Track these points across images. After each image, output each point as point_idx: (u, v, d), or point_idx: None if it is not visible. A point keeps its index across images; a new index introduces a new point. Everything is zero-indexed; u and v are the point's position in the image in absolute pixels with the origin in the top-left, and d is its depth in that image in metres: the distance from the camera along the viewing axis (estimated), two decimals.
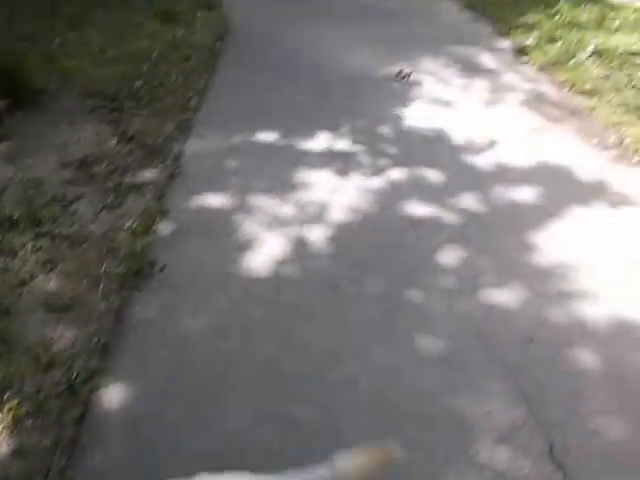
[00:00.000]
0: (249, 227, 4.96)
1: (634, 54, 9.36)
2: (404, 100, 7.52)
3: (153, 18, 9.95)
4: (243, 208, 5.19)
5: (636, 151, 6.52)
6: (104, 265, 4.40)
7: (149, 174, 5.58)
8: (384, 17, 11.07)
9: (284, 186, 5.52)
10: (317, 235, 4.90)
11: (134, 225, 4.84)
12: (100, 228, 4.83)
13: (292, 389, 3.61)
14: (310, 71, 8.27)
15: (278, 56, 8.79)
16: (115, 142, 6.05)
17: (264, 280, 4.43)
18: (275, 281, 4.42)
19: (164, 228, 4.92)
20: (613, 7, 12.06)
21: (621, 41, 9.92)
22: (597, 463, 3.27)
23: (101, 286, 4.21)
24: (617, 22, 10.98)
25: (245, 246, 4.75)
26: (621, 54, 9.28)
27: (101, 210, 5.04)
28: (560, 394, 3.67)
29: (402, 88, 7.90)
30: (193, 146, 6.11)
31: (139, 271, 4.40)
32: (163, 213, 5.07)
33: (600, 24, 10.90)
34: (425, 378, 3.72)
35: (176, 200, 5.28)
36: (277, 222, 5.03)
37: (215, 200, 5.31)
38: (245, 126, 6.52)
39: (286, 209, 5.20)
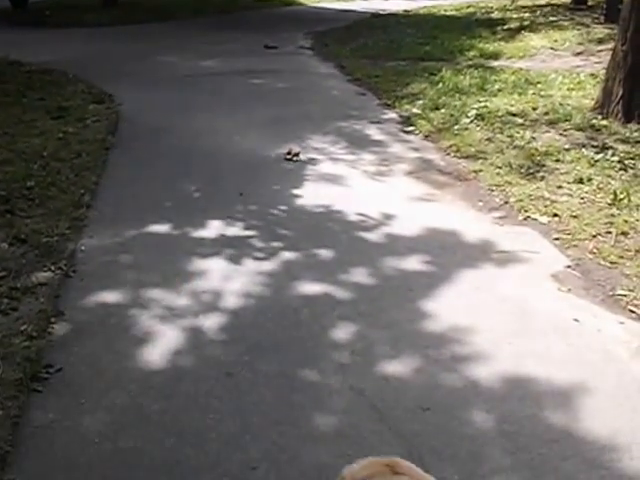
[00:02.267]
0: (145, 321, 4.96)
1: (514, 115, 9.76)
2: (296, 180, 7.67)
3: (45, 115, 10.00)
4: (138, 302, 5.20)
5: (520, 210, 6.75)
6: (0, 372, 4.37)
7: (44, 275, 5.53)
8: (275, 98, 11.31)
9: (178, 277, 5.55)
10: (212, 323, 4.93)
11: (29, 329, 4.79)
12: None
13: None
14: (203, 158, 8.39)
15: (171, 146, 8.90)
16: (7, 245, 6.01)
17: (162, 373, 4.43)
18: (172, 373, 4.42)
19: (60, 329, 4.87)
20: (493, 71, 12.58)
21: (502, 103, 10.30)
22: None
23: None
24: (497, 85, 11.47)
25: (142, 340, 4.74)
26: (502, 116, 9.66)
27: None
28: (458, 458, 3.75)
29: (294, 168, 8.05)
30: (87, 244, 6.09)
31: (36, 375, 4.35)
32: (58, 314, 5.03)
33: (481, 88, 11.36)
34: (324, 455, 3.75)
35: (71, 300, 5.25)
36: (172, 314, 5.04)
37: (110, 296, 5.30)
38: (138, 220, 6.56)
39: (181, 300, 5.22)
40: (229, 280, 5.51)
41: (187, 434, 3.92)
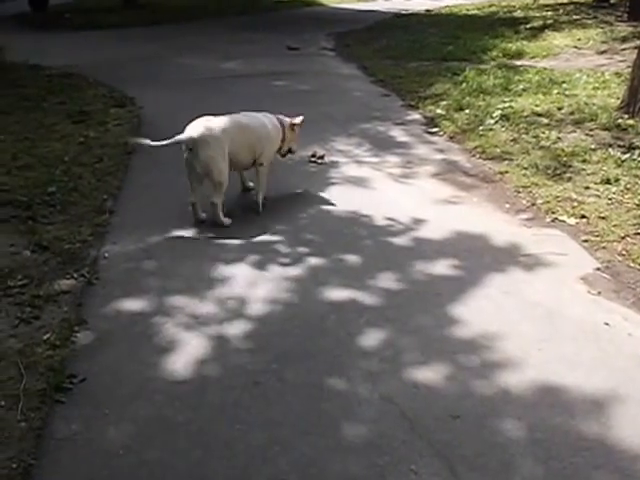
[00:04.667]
0: (169, 329, 4.90)
1: (539, 115, 9.67)
2: (320, 183, 7.62)
3: (66, 119, 10.00)
4: (162, 310, 5.15)
5: (548, 211, 6.66)
6: (23, 382, 4.32)
7: (66, 283, 5.50)
8: (298, 99, 11.25)
9: (202, 283, 5.50)
10: (237, 331, 4.87)
11: (52, 337, 4.75)
12: (17, 343, 4.73)
13: None
14: None
15: None
16: (30, 252, 5.98)
17: (186, 383, 4.37)
18: (197, 383, 4.37)
19: (83, 338, 4.83)
20: (517, 71, 12.47)
21: (526, 103, 10.21)
22: None
23: (20, 405, 4.13)
24: (521, 85, 11.36)
25: (166, 349, 4.69)
26: (527, 116, 9.58)
27: (18, 324, 4.95)
28: (489, 467, 3.69)
29: (318, 171, 8.00)
30: (109, 250, 6.05)
31: (59, 385, 4.30)
32: (81, 322, 4.99)
33: (505, 88, 11.26)
34: (354, 466, 3.69)
35: (94, 308, 5.21)
36: (197, 321, 4.99)
37: (134, 304, 5.25)
38: (161, 225, 6.52)
39: (205, 307, 5.17)
40: (254, 286, 5.45)
41: (214, 446, 3.86)
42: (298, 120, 7.12)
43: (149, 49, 16.61)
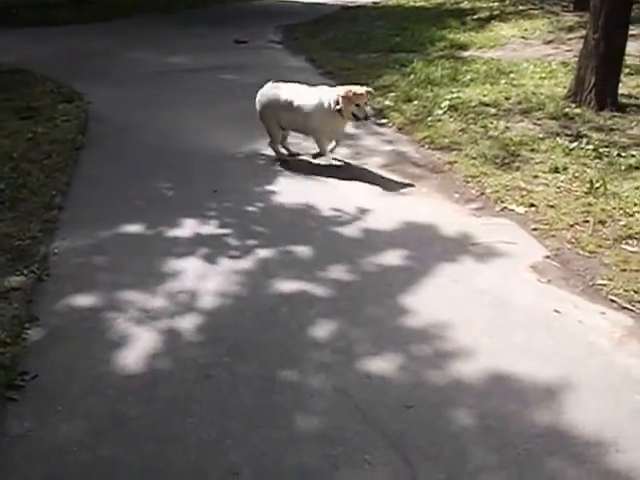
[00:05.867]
0: (121, 324, 4.87)
1: (487, 105, 9.74)
2: (270, 176, 7.61)
3: (13, 115, 9.89)
4: (113, 305, 5.11)
5: (497, 201, 6.71)
6: None
7: (16, 279, 5.43)
8: (247, 93, 11.03)
9: (153, 278, 5.47)
10: (188, 324, 4.86)
11: (3, 335, 4.69)
12: None
13: None
14: (176, 156, 8.30)
15: (142, 144, 8.80)
16: None
17: (139, 377, 4.35)
18: (149, 377, 4.35)
19: (34, 334, 4.78)
20: (464, 62, 12.56)
21: (474, 94, 10.27)
22: None
23: None
24: (469, 76, 11.44)
25: (118, 344, 4.66)
26: (475, 106, 9.64)
27: None
28: (443, 456, 3.71)
29: (266, 164, 7.97)
30: (59, 246, 5.99)
31: (11, 383, 4.26)
32: (32, 319, 4.93)
33: (453, 79, 11.34)
34: (307, 457, 3.70)
35: (45, 304, 5.16)
36: (148, 316, 4.96)
37: (85, 300, 5.20)
38: (111, 221, 6.47)
39: (156, 301, 5.14)
40: (205, 280, 5.44)
41: (167, 440, 3.85)
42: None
43: (98, 44, 16.43)
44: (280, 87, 7.99)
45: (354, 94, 7.29)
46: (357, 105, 7.28)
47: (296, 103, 7.64)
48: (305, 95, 7.69)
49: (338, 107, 7.35)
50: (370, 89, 7.77)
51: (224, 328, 4.84)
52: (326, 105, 7.45)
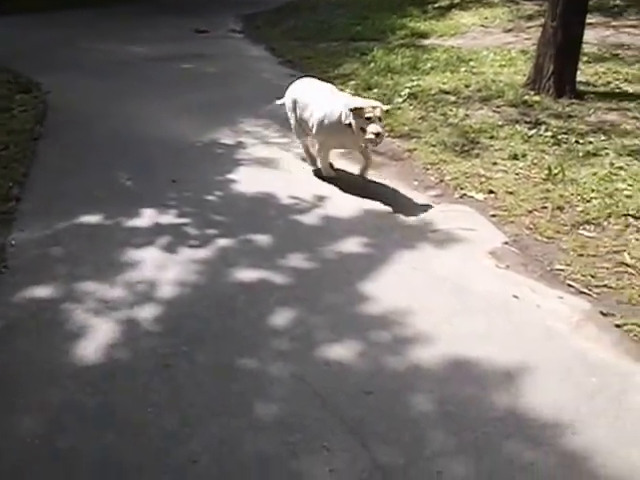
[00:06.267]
0: (79, 315, 4.84)
1: (447, 93, 9.79)
2: (229, 165, 7.59)
3: None
4: (72, 296, 5.08)
5: (456, 188, 6.74)
6: None
7: None
8: (207, 82, 11.19)
9: (111, 268, 5.44)
10: (147, 314, 4.84)
11: None
12: None
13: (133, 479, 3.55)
14: (135, 146, 8.25)
15: (101, 134, 8.73)
16: None
17: (97, 368, 4.33)
18: (108, 367, 4.33)
19: None
20: (425, 50, 12.59)
21: (434, 82, 10.31)
22: None
23: None
24: (429, 64, 11.47)
25: (76, 335, 4.63)
26: (435, 94, 9.69)
27: None
28: (402, 442, 3.73)
29: (227, 152, 7.95)
30: (17, 238, 5.94)
31: None
32: None
33: (413, 67, 11.37)
34: (266, 445, 3.71)
35: (3, 296, 5.12)
36: (107, 306, 4.94)
37: (43, 291, 5.16)
38: (69, 211, 6.41)
39: (115, 292, 5.12)
40: (164, 269, 5.42)
41: (126, 430, 3.84)
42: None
43: (57, 34, 16.23)
44: (304, 86, 7.54)
45: (366, 107, 6.47)
46: (368, 119, 6.41)
47: (310, 106, 7.13)
48: (321, 100, 7.07)
49: (347, 121, 6.59)
50: (387, 107, 7.07)
51: (183, 317, 4.83)
52: (336, 116, 6.74)
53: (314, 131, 7.06)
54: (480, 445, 3.69)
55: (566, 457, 3.61)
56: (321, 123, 6.92)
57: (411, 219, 6.18)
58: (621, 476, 3.48)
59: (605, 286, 5.13)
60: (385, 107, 6.84)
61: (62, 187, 7.08)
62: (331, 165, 7.37)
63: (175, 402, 4.03)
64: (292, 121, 7.55)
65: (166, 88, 10.90)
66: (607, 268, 5.36)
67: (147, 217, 6.32)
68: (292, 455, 3.63)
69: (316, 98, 7.13)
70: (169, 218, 6.32)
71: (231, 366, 4.31)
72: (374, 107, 6.50)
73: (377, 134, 6.38)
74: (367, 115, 6.41)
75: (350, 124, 6.56)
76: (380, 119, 6.51)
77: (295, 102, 7.37)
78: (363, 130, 6.43)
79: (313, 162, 7.45)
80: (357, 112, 6.47)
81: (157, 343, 4.55)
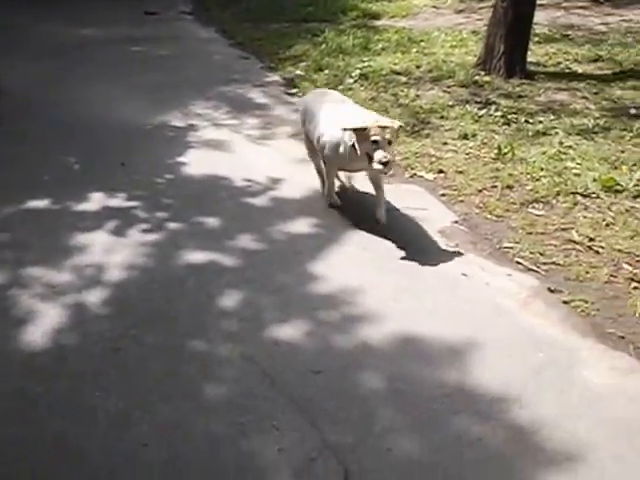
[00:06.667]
0: (26, 300, 4.79)
1: (398, 73, 9.81)
2: (179, 147, 7.55)
3: None
4: (18, 282, 5.02)
5: (406, 168, 6.77)
6: None
7: None
8: (156, 65, 11.08)
9: (59, 253, 5.39)
10: (95, 298, 4.80)
11: None
12: None
13: (81, 465, 3.51)
14: (84, 129, 8.15)
15: (49, 118, 8.60)
16: None
17: (45, 353, 4.28)
18: (56, 352, 4.29)
19: None
20: (376, 31, 12.56)
21: (385, 62, 10.32)
22: None
23: None
24: (380, 45, 11.47)
25: (23, 321, 4.58)
26: (386, 75, 9.69)
27: None
28: (351, 419, 3.74)
29: (176, 135, 7.90)
30: None
31: None
32: None
33: (365, 48, 11.38)
34: (216, 426, 3.70)
35: None
36: (54, 291, 4.89)
37: None
38: (16, 196, 6.33)
39: (62, 276, 5.07)
40: (112, 253, 5.38)
41: (74, 415, 3.81)
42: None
43: (2, 17, 15.99)
44: (315, 97, 6.54)
45: (371, 128, 5.30)
46: (375, 143, 5.27)
47: (315, 120, 6.04)
48: (328, 113, 5.96)
49: (351, 142, 5.44)
50: (398, 123, 5.73)
51: (132, 300, 4.81)
52: (340, 134, 5.58)
53: (318, 149, 6.01)
54: (429, 421, 3.72)
55: (514, 431, 3.65)
56: (325, 141, 5.81)
57: (361, 199, 6.17)
58: (567, 449, 3.52)
59: (553, 263, 5.18)
60: (397, 124, 5.63)
61: (8, 172, 6.98)
62: (349, 188, 6.53)
63: (124, 386, 4.01)
64: (304, 136, 6.49)
65: (115, 71, 10.78)
66: (555, 245, 5.42)
67: (96, 201, 6.26)
68: (242, 435, 3.63)
69: (323, 111, 6.03)
70: (118, 202, 6.26)
71: (181, 348, 4.30)
72: (383, 127, 5.34)
73: (385, 163, 5.26)
74: (373, 138, 5.27)
75: (354, 145, 5.42)
76: (390, 142, 5.35)
77: (305, 115, 6.35)
78: (369, 156, 5.32)
79: (324, 184, 6.30)
80: (361, 134, 5.35)
81: (106, 327, 4.52)
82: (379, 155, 5.21)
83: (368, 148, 5.28)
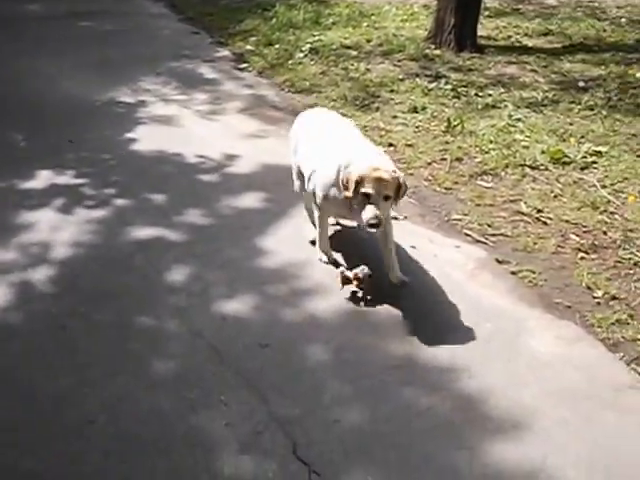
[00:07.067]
0: None
1: (349, 48, 9.80)
2: (128, 124, 7.48)
3: None
4: None
5: None
6: None
7: None
8: (104, 40, 10.95)
9: (4, 232, 5.33)
10: (41, 276, 4.76)
11: None
12: None
13: (27, 442, 3.48)
14: (30, 106, 8.03)
15: None
16: None
17: None
18: (1, 332, 4.25)
19: None
20: (327, 5, 12.52)
21: (336, 37, 10.30)
22: (340, 452, 3.38)
23: None
24: (331, 19, 11.45)
25: None
26: (336, 49, 9.68)
27: None
28: (299, 391, 3.76)
29: (125, 112, 7.83)
30: None
31: None
32: None
33: (315, 22, 11.36)
34: (163, 401, 3.70)
35: None
36: None
37: None
38: None
39: (7, 255, 5.02)
40: (59, 230, 5.32)
41: (20, 394, 3.79)
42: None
43: None
44: (310, 120, 5.24)
45: (365, 178, 4.19)
46: (366, 196, 4.19)
47: (306, 152, 4.92)
48: (322, 145, 4.79)
49: (345, 191, 4.32)
50: (400, 176, 4.38)
51: (79, 278, 4.77)
52: (332, 175, 4.49)
53: (308, 189, 4.85)
54: (377, 392, 3.74)
55: (462, 400, 3.69)
56: (314, 180, 4.72)
57: None
58: (513, 416, 3.56)
59: (501, 234, 5.23)
60: (401, 177, 4.39)
61: None
62: None
63: (71, 363, 3.98)
64: (293, 167, 5.25)
65: (61, 46, 10.61)
66: (503, 217, 5.46)
67: (42, 178, 6.18)
68: (190, 410, 3.62)
69: (316, 141, 4.88)
70: (65, 179, 6.19)
71: (128, 325, 4.28)
72: (379, 180, 4.20)
73: (373, 225, 4.21)
74: (365, 191, 4.20)
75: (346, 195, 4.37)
76: (388, 198, 4.26)
77: (296, 142, 5.13)
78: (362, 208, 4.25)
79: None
80: (348, 183, 4.30)
81: (52, 305, 4.48)
82: (368, 214, 4.18)
83: (360, 202, 4.24)
